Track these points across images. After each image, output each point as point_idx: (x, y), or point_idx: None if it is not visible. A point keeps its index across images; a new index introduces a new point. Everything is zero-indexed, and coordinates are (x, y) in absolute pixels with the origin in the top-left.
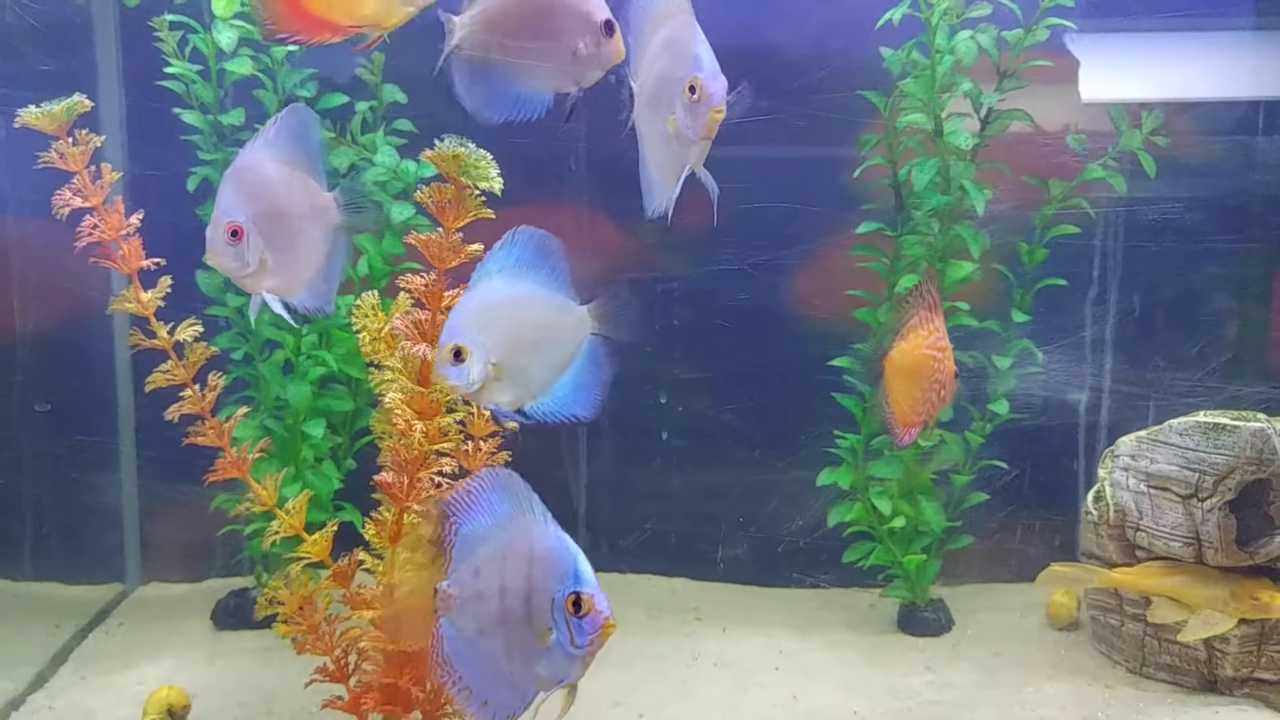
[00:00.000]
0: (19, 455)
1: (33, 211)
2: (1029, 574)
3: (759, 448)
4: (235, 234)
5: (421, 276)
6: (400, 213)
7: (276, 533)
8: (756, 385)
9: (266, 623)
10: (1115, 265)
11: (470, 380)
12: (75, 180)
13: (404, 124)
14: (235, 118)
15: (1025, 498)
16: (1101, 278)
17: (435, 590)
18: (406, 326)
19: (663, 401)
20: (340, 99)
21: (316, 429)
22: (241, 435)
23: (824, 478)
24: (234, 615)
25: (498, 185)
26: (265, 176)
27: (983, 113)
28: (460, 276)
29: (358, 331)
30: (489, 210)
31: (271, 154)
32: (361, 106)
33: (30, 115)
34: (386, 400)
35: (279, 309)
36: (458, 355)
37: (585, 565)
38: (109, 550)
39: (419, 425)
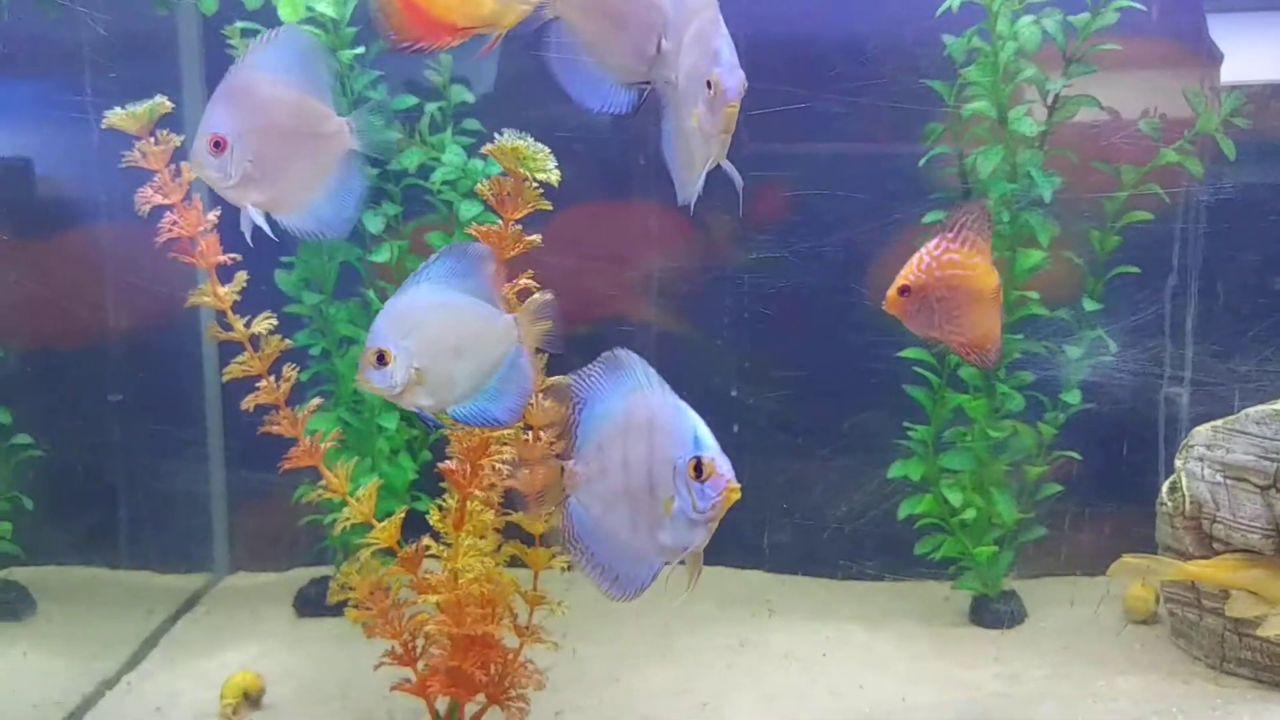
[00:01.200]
0: (115, 449)
1: (126, 213)
2: (1105, 567)
3: (830, 439)
4: (218, 145)
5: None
6: (468, 210)
7: (348, 519)
8: (828, 377)
9: (344, 609)
10: (1194, 251)
11: (393, 383)
12: (156, 178)
13: (472, 123)
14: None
15: (1102, 489)
16: (1180, 264)
17: (563, 469)
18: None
19: (734, 395)
20: (410, 100)
21: (390, 421)
22: (318, 427)
23: (895, 470)
24: (314, 603)
25: (555, 177)
26: (255, 92)
27: (1049, 99)
28: (521, 267)
29: None
30: (547, 202)
31: (266, 73)
32: (430, 107)
33: (115, 117)
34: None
35: (261, 222)
36: (381, 359)
37: (705, 431)
38: (198, 540)
39: None
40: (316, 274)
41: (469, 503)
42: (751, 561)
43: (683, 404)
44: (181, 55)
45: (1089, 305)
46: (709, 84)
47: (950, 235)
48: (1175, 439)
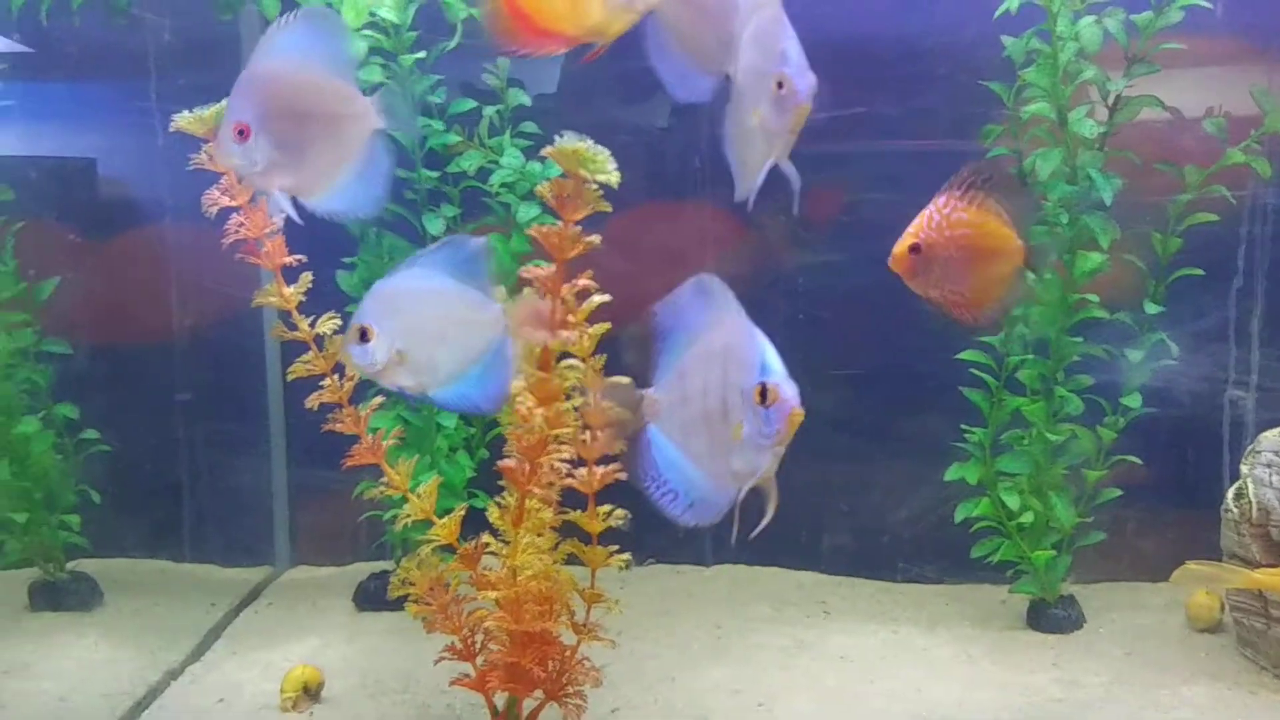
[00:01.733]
0: (179, 445)
1: (191, 216)
2: (1168, 573)
3: (886, 441)
4: (241, 133)
5: (543, 268)
6: (526, 212)
7: (409, 516)
8: (883, 378)
9: (404, 604)
10: (1261, 254)
11: (373, 361)
12: (223, 180)
13: (529, 126)
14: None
15: (1163, 494)
16: (1246, 267)
17: (642, 397)
18: (529, 316)
19: None
20: (469, 103)
21: (449, 420)
22: (379, 425)
23: (952, 473)
24: (374, 597)
25: (615, 179)
26: (276, 78)
27: (1110, 99)
28: (581, 267)
29: None
30: (606, 204)
31: (287, 57)
32: (489, 110)
33: (183, 120)
34: (511, 389)
35: (287, 207)
36: (364, 336)
37: (773, 356)
38: (260, 535)
39: (540, 411)
40: (377, 274)
41: (528, 500)
42: (806, 563)
43: (755, 330)
44: (244, 59)
45: (1151, 308)
46: (779, 84)
47: (957, 194)
48: (1240, 444)
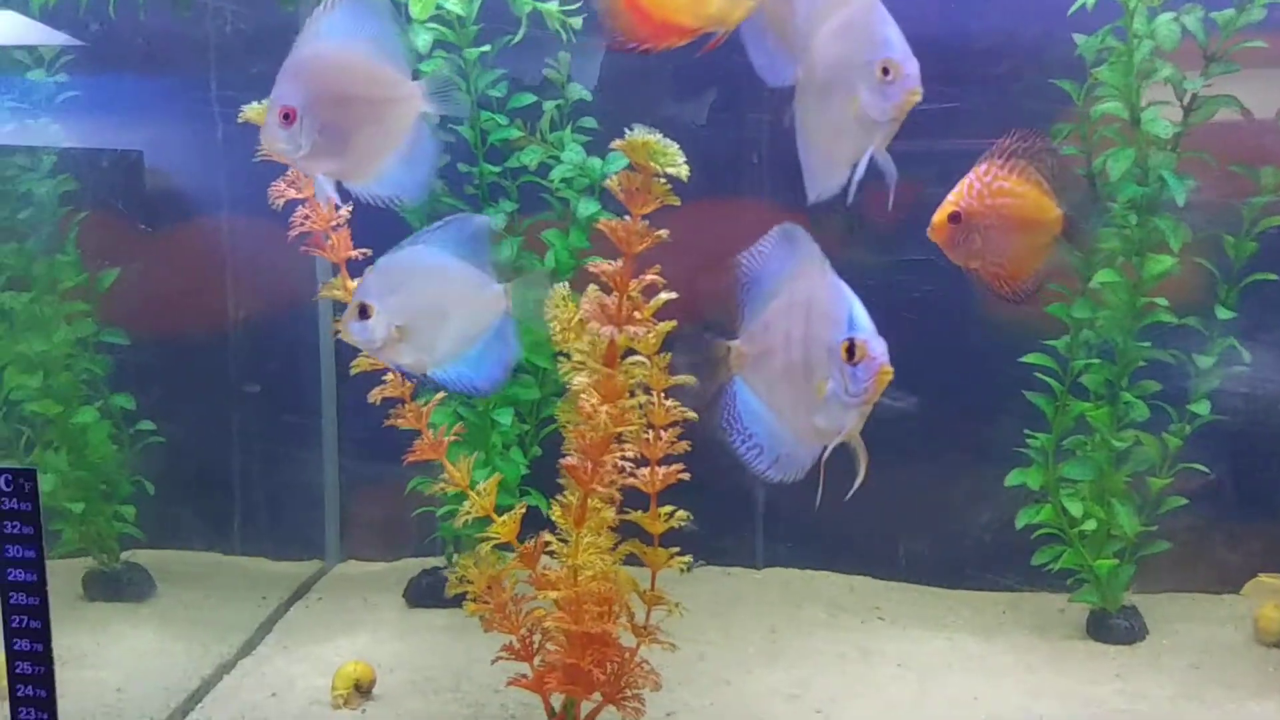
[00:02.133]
0: (233, 437)
1: (246, 208)
2: (1233, 584)
3: (941, 445)
4: (287, 117)
5: (610, 263)
6: (586, 207)
7: (468, 513)
8: (941, 381)
9: (456, 601)
10: None
11: (371, 338)
12: (290, 173)
13: (589, 121)
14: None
15: (1230, 503)
16: None
17: (728, 348)
18: (593, 310)
19: None
20: (529, 97)
21: (505, 416)
22: (435, 421)
23: (1013, 478)
24: (426, 593)
25: (684, 172)
26: (323, 61)
27: (1186, 99)
28: (648, 262)
29: (550, 321)
30: (675, 197)
31: (334, 40)
32: (549, 105)
33: (251, 110)
34: (573, 385)
35: (331, 192)
36: (364, 312)
37: (860, 312)
38: (311, 528)
39: (605, 409)
40: None
41: (590, 499)
42: (858, 568)
43: (842, 284)
44: None
45: (1222, 314)
46: (884, 69)
47: (999, 161)
48: None
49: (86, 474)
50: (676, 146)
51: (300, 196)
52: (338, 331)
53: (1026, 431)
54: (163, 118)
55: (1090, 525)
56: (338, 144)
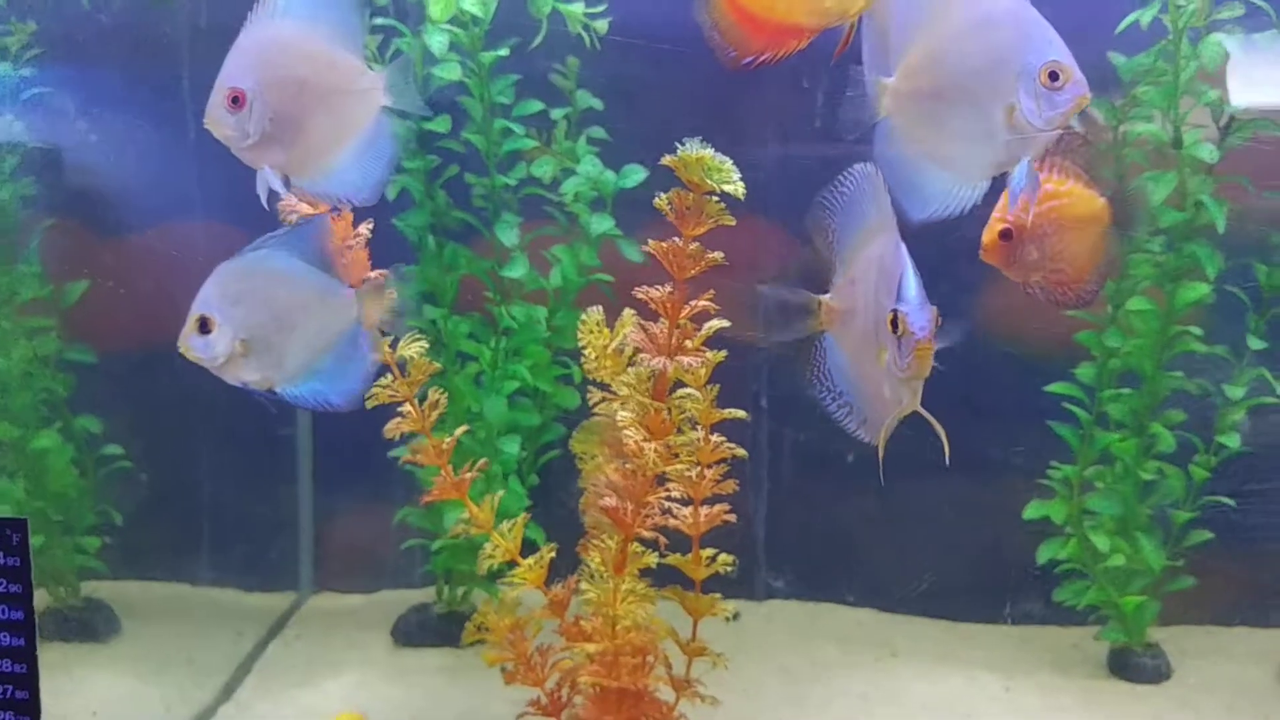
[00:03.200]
0: (200, 460)
1: (224, 214)
2: (1253, 619)
3: (948, 473)
4: (236, 100)
5: (658, 288)
6: (600, 224)
7: (491, 557)
8: (954, 408)
9: (449, 640)
10: None
11: (214, 354)
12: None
13: (597, 131)
14: (441, 125)
15: (1238, 534)
16: None
17: (819, 304)
18: (641, 340)
19: None
20: (536, 105)
21: (512, 446)
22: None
23: (1032, 510)
24: (416, 631)
25: (740, 189)
26: (278, 43)
27: (1223, 121)
28: (703, 286)
29: (583, 348)
30: (730, 217)
31: (291, 22)
32: (557, 113)
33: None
34: (618, 419)
35: (278, 186)
36: (205, 326)
37: (910, 280)
38: (284, 557)
39: (652, 445)
40: (436, 286)
41: (630, 545)
42: (862, 599)
43: (902, 246)
44: None
45: (1254, 343)
46: (1052, 75)
47: (1038, 164)
48: None
49: (46, 504)
50: (731, 163)
51: (315, 213)
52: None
53: (1053, 463)
54: (129, 117)
55: (1117, 560)
56: (289, 134)
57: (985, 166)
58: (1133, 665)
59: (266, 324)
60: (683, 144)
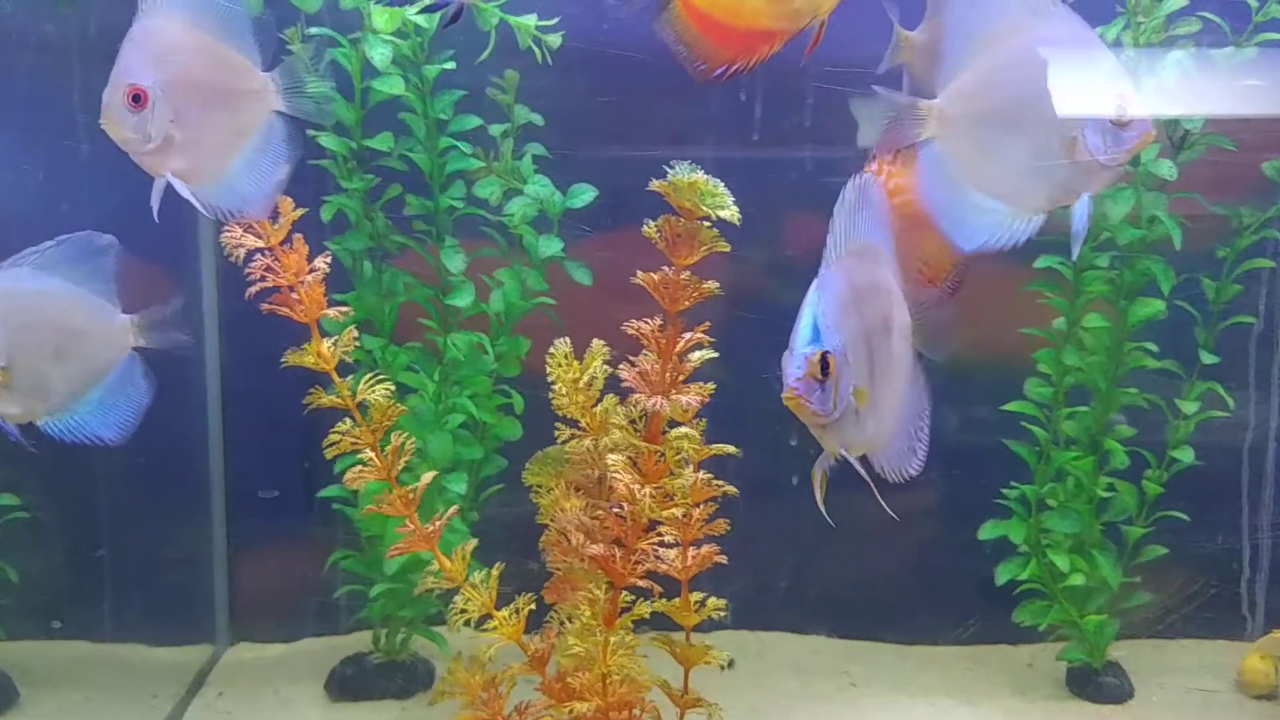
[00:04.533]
0: (97, 502)
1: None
2: (1200, 632)
3: (893, 493)
4: (138, 99)
5: (646, 321)
6: (548, 246)
7: (464, 612)
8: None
9: (389, 693)
10: None
11: None
12: (245, 214)
13: (537, 148)
14: (383, 142)
15: (1199, 549)
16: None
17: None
18: (634, 378)
19: (794, 444)
20: (474, 120)
21: (458, 484)
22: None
23: (989, 530)
24: (351, 685)
25: (735, 214)
26: (177, 36)
27: (1177, 136)
28: (694, 319)
29: (552, 382)
30: (725, 243)
31: (184, 16)
32: (495, 129)
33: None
34: (609, 461)
35: (188, 195)
36: None
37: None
38: (196, 606)
39: (646, 490)
40: (375, 314)
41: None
42: (811, 625)
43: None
44: None
45: (1207, 358)
46: (1120, 102)
47: (887, 159)
48: (1258, 495)
49: None
50: (724, 186)
51: (261, 245)
52: (311, 405)
53: (1013, 483)
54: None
55: (1077, 579)
56: (189, 138)
57: (1041, 199)
58: (1095, 684)
59: (29, 349)
60: (672, 168)
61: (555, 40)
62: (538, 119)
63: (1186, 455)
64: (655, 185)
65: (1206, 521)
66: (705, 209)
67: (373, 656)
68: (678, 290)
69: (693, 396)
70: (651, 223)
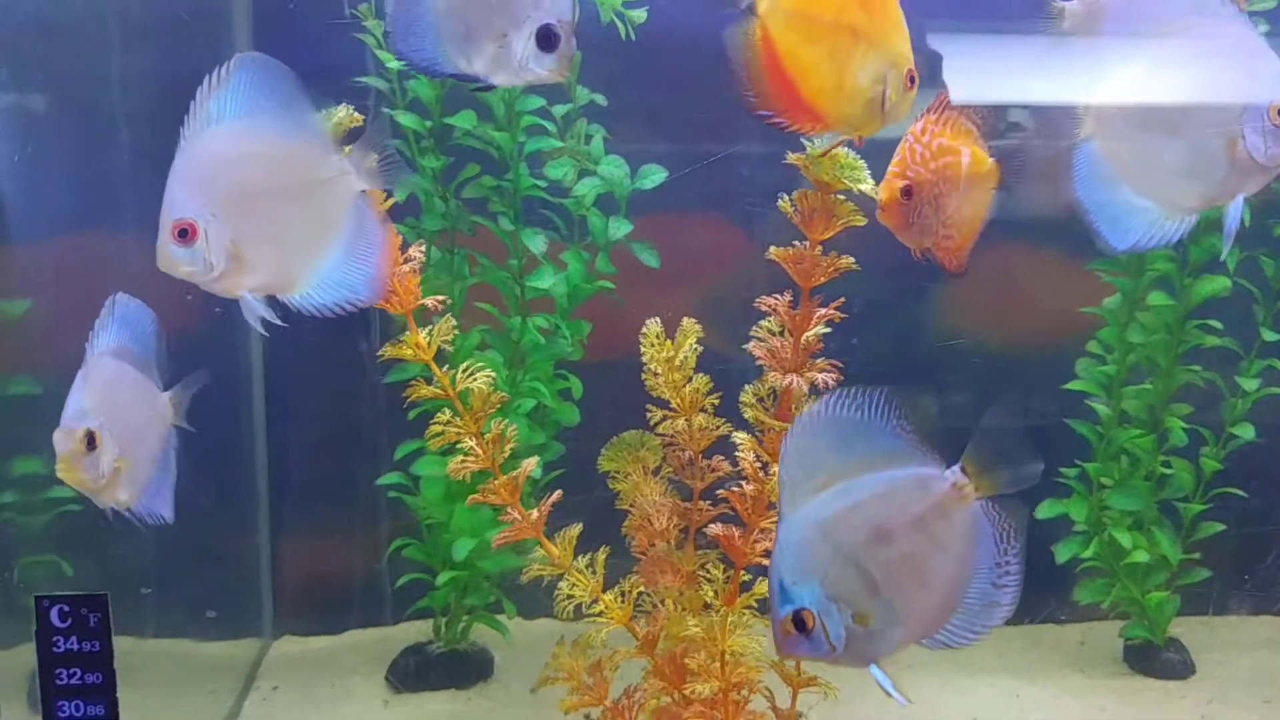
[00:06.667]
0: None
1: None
2: (1258, 606)
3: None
4: (184, 234)
5: (777, 297)
6: (617, 228)
7: (569, 596)
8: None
9: (453, 682)
10: None
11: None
12: None
13: (596, 129)
14: (465, 120)
15: (1258, 524)
16: None
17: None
18: (765, 355)
19: None
20: (537, 100)
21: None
22: (424, 471)
23: (1047, 509)
24: (415, 675)
25: (874, 189)
26: (221, 153)
27: None
28: (831, 296)
29: (647, 362)
30: (861, 217)
31: (230, 123)
32: (559, 110)
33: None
34: (734, 440)
35: (264, 311)
36: (92, 443)
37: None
38: (243, 600)
39: (775, 468)
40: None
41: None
42: None
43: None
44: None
45: (1268, 335)
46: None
47: (933, 117)
48: None
49: None
50: (863, 161)
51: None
52: (420, 396)
53: (1078, 461)
54: None
55: (1140, 556)
56: (260, 251)
57: (1196, 199)
58: (1159, 661)
59: (135, 445)
60: (811, 141)
61: (640, 15)
62: (600, 99)
63: (1246, 431)
64: (792, 158)
65: (1266, 499)
66: (845, 182)
67: (434, 646)
68: (813, 266)
69: (828, 374)
70: (786, 197)
